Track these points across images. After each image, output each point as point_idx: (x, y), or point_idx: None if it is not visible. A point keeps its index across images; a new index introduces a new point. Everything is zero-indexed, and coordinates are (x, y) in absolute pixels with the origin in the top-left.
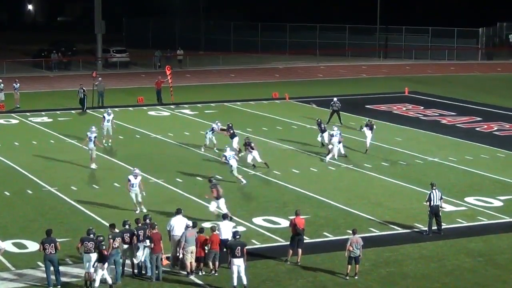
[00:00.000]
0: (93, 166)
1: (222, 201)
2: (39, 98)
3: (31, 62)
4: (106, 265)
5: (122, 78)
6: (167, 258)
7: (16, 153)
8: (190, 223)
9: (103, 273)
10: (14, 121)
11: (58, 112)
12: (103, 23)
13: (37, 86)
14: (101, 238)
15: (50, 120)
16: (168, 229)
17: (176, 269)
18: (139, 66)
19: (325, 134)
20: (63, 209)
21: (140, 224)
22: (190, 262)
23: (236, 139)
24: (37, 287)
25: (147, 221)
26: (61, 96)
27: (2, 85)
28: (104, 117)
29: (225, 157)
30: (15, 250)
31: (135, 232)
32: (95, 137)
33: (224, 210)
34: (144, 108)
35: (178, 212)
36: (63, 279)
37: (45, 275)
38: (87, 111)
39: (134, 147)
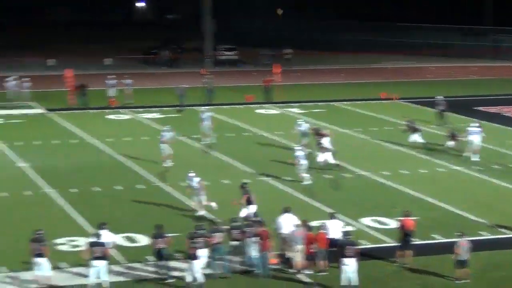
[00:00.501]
0: (169, 163)
1: (253, 207)
2: (149, 94)
3: (142, 59)
4: (197, 262)
5: (231, 76)
6: (276, 256)
7: (127, 148)
8: (298, 221)
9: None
10: (125, 117)
11: (166, 108)
12: (213, 21)
13: (147, 82)
14: (191, 235)
15: (161, 116)
16: (276, 227)
17: (285, 267)
18: (248, 64)
19: (416, 135)
20: (173, 204)
21: (249, 221)
22: (299, 261)
23: (327, 139)
24: (147, 281)
25: (256, 218)
26: (171, 93)
27: (114, 81)
28: (201, 116)
29: (297, 157)
30: (126, 243)
31: (244, 229)
32: (165, 136)
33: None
34: (252, 106)
35: (286, 210)
36: (173, 273)
37: (154, 269)
38: (185, 108)
39: (242, 145)
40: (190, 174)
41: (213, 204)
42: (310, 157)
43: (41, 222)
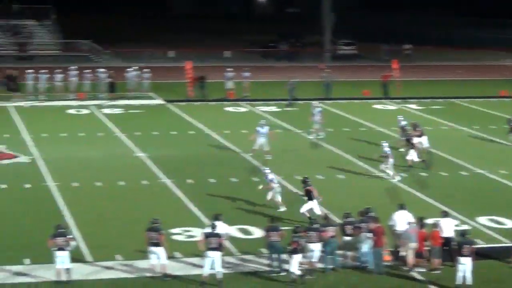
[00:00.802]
0: (250, 154)
1: (313, 203)
2: (267, 87)
3: (260, 52)
4: (298, 256)
5: (349, 70)
6: (390, 253)
7: (244, 141)
8: (412, 219)
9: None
10: (242, 109)
11: (284, 102)
12: (332, 15)
13: (265, 75)
14: (298, 228)
15: (278, 109)
16: (390, 224)
17: (398, 264)
18: (366, 59)
19: None
20: (288, 197)
21: (363, 217)
22: (412, 258)
23: (424, 138)
24: (260, 273)
25: (371, 214)
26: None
27: (232, 73)
28: (312, 111)
29: (386, 152)
30: (240, 235)
31: (358, 224)
32: (260, 130)
33: (318, 212)
34: (370, 101)
35: (401, 207)
36: (285, 267)
37: (268, 262)
38: (293, 102)
39: (358, 139)
40: (266, 171)
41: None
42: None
43: (157, 211)
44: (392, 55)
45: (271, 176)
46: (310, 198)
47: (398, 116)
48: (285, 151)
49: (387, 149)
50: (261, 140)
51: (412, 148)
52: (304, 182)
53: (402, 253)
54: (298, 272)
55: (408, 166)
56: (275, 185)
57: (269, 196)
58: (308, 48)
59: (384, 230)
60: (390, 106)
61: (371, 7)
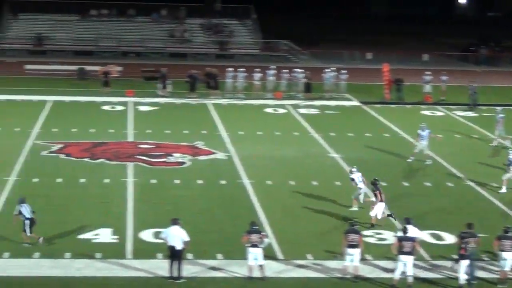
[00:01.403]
0: (428, 161)
1: (381, 205)
2: (465, 92)
3: (459, 56)
4: (464, 262)
5: None
6: None
7: (439, 145)
8: None
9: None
10: (439, 113)
11: (483, 107)
12: None
13: (463, 80)
14: (464, 234)
15: (475, 114)
16: None
17: None
18: None
19: None
20: (481, 204)
21: None
22: None
23: None
24: (451, 280)
25: None
26: (491, 92)
27: (430, 77)
28: (496, 118)
29: (510, 160)
30: (432, 241)
31: None
32: (425, 135)
33: (379, 215)
34: None
35: None
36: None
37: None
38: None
39: None
40: (353, 169)
41: (373, 199)
42: None
43: (348, 213)
44: None
45: (353, 175)
46: (379, 200)
47: None
48: (479, 156)
49: None
50: (422, 143)
51: None
52: (374, 184)
53: None
54: (463, 280)
55: None
56: (360, 186)
57: (361, 198)
58: (508, 53)
59: None
60: None
61: None
